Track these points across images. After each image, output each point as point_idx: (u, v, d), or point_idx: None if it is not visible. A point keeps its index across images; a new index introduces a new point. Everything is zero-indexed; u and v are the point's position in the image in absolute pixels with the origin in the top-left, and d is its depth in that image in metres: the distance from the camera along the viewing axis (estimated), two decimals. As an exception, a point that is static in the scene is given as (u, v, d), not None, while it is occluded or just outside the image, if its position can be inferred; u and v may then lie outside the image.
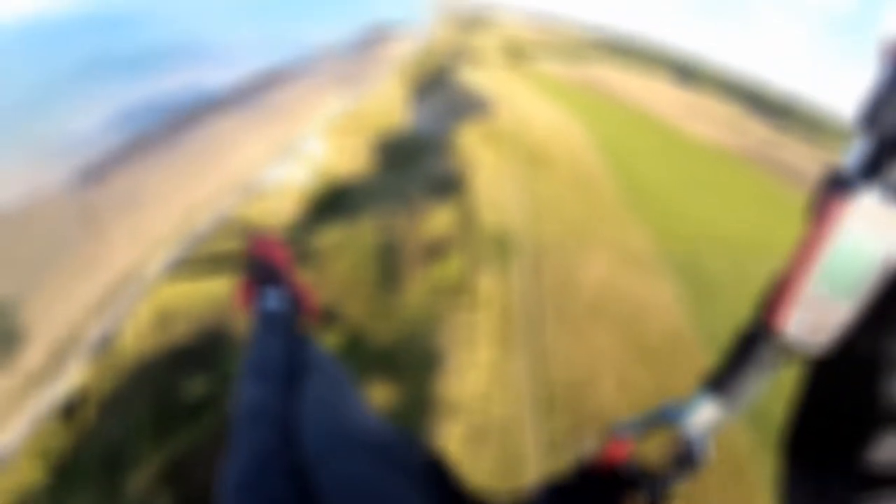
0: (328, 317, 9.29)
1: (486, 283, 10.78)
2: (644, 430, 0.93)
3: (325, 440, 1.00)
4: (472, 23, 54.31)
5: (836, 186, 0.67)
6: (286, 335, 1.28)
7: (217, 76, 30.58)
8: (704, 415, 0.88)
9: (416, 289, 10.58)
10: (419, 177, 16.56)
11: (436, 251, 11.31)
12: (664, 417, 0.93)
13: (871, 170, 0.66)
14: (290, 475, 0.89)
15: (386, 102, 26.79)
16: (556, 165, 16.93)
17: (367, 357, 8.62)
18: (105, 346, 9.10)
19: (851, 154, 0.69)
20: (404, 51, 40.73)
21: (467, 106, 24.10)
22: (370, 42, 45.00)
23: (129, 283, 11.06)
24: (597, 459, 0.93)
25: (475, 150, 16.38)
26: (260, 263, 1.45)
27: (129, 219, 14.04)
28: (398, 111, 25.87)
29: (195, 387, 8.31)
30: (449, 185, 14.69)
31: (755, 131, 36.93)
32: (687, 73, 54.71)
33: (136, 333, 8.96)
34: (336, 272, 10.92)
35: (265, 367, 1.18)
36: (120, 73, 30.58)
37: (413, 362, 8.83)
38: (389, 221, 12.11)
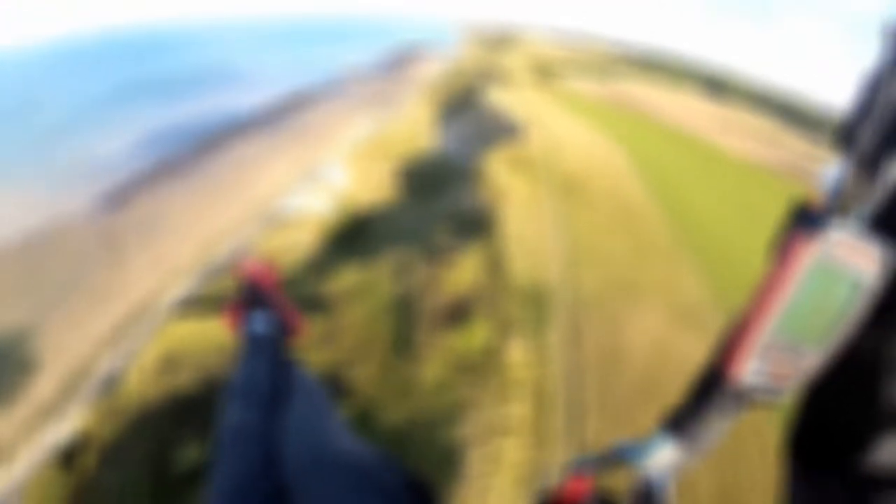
0: (338, 389, 8.51)
1: (517, 358, 9.24)
2: (602, 468, 0.85)
3: (306, 462, 1.02)
4: (500, 42, 53.30)
5: (801, 222, 0.61)
6: (272, 358, 1.29)
7: (245, 100, 30.57)
8: (663, 457, 0.79)
9: (435, 360, 9.14)
10: (444, 211, 15.52)
11: (459, 312, 9.69)
12: (622, 456, 0.83)
13: (847, 199, 0.60)
14: (272, 495, 0.93)
15: (412, 126, 25.84)
16: (594, 195, 15.03)
17: (374, 438, 7.75)
18: (110, 387, 8.87)
19: (825, 180, 0.62)
20: (432, 72, 40.14)
21: (496, 129, 22.70)
22: (398, 63, 44.87)
23: (142, 317, 10.89)
24: (556, 496, 0.87)
25: (505, 179, 14.80)
26: (248, 287, 1.44)
27: (149, 246, 13.98)
28: (425, 135, 24.82)
29: (194, 451, 7.83)
30: (476, 224, 13.31)
31: (792, 145, 34.53)
32: (717, 85, 52.93)
33: (140, 377, 8.77)
34: (349, 324, 10.06)
35: (251, 389, 1.19)
36: (151, 98, 31.10)
37: (427, 457, 7.69)
38: (409, 267, 10.56)
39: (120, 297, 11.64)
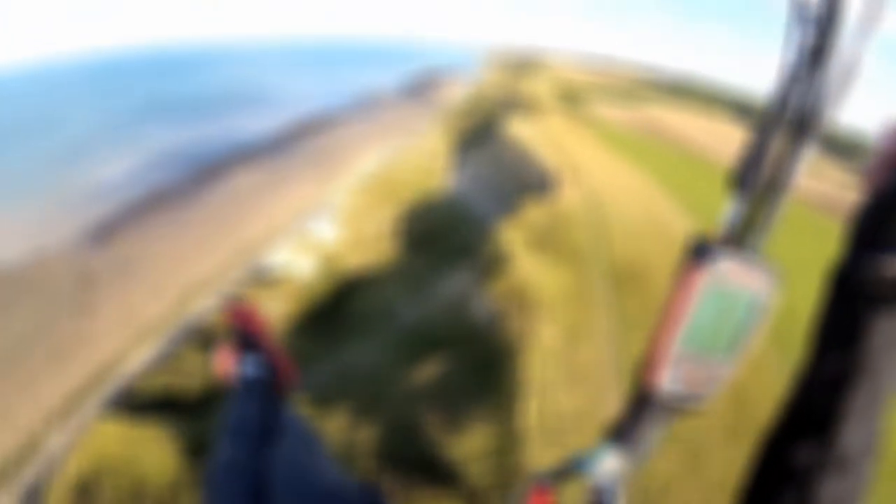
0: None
1: None
2: (560, 480, 0.87)
3: (292, 496, 1.04)
4: (525, 67, 48.88)
5: (697, 253, 0.66)
6: (263, 399, 1.24)
7: (260, 123, 28.10)
8: (609, 464, 0.83)
9: None
10: (448, 277, 11.22)
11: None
12: (575, 467, 0.85)
13: (740, 232, 0.68)
14: None
15: (426, 160, 21.59)
16: (648, 282, 9.44)
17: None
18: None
19: (724, 216, 0.69)
20: (454, 98, 36.48)
21: (516, 171, 18.08)
22: (421, 88, 41.79)
23: (99, 385, 9.66)
24: None
25: (527, 267, 9.49)
26: (239, 331, 1.38)
27: (123, 292, 12.71)
28: (437, 171, 20.60)
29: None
30: (487, 337, 8.89)
31: (831, 175, 29.89)
32: (746, 110, 47.98)
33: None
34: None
35: (242, 428, 1.15)
36: (168, 118, 29.14)
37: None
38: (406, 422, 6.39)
39: (82, 356, 10.42)
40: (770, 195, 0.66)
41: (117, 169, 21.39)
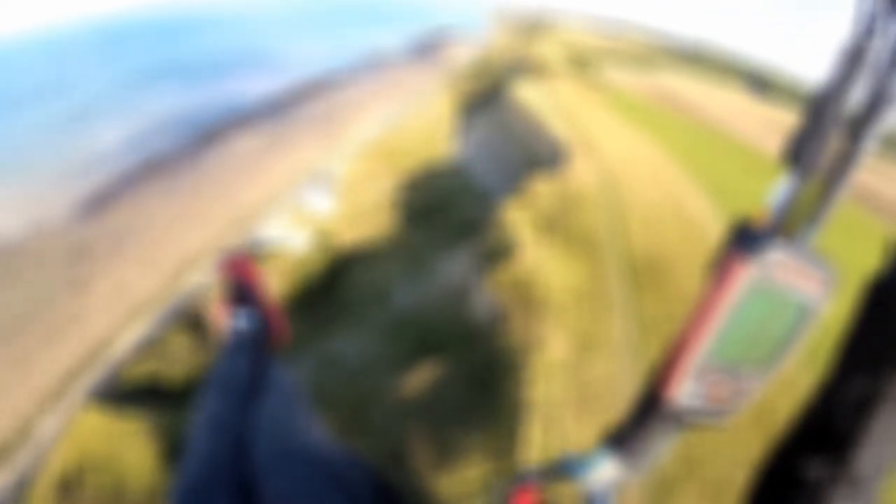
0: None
1: None
2: (547, 480, 0.82)
3: (273, 455, 0.99)
4: (535, 29, 46.84)
5: (740, 241, 0.56)
6: (252, 353, 1.25)
7: (263, 86, 27.08)
8: (605, 472, 0.76)
9: None
10: (450, 255, 10.16)
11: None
12: (567, 470, 0.79)
13: (793, 218, 0.59)
14: (238, 485, 0.89)
15: (429, 125, 20.47)
16: (669, 279, 8.04)
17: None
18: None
19: (772, 198, 0.60)
20: (461, 59, 34.63)
21: (523, 140, 16.74)
22: (427, 49, 40.04)
23: (92, 364, 9.12)
24: None
25: (535, 257, 8.02)
26: (233, 284, 1.40)
27: (115, 267, 12.00)
28: (441, 138, 19.31)
29: None
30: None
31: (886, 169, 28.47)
32: (761, 82, 46.21)
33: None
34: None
35: (229, 381, 1.16)
36: (171, 83, 28.23)
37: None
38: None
39: (75, 334, 9.86)
40: (828, 179, 0.55)
41: (116, 136, 20.65)
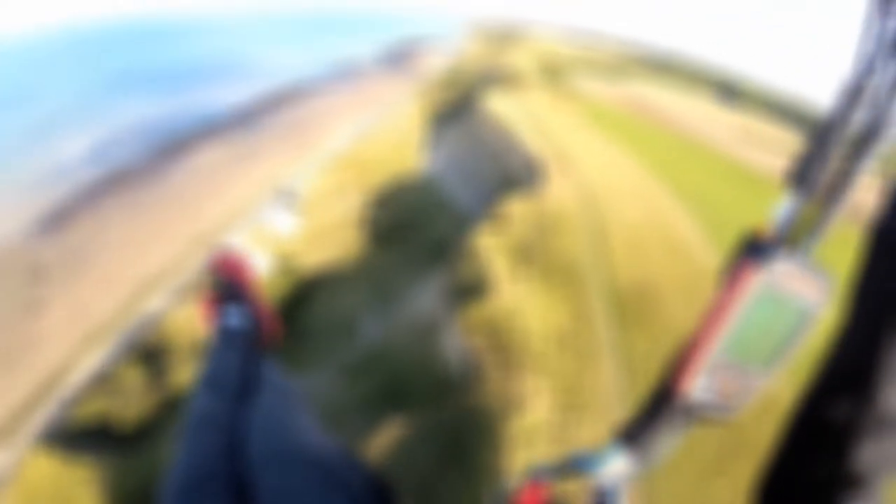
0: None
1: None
2: (559, 477, 0.83)
3: (268, 453, 0.96)
4: (507, 38, 46.36)
5: (750, 251, 0.62)
6: (243, 351, 1.23)
7: (232, 95, 26.16)
8: (616, 466, 0.78)
9: None
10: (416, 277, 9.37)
11: None
12: (578, 466, 0.81)
13: (796, 232, 0.64)
14: (231, 483, 0.88)
15: (399, 136, 19.50)
16: (656, 313, 7.17)
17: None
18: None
19: (777, 214, 0.65)
20: (433, 68, 34.15)
21: (495, 153, 15.95)
22: (401, 57, 39.39)
23: (45, 398, 8.28)
24: (513, 501, 0.83)
25: (511, 293, 6.87)
26: (224, 281, 1.36)
27: (72, 288, 11.22)
28: (411, 150, 18.45)
29: None
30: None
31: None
32: (729, 90, 46.64)
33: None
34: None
35: (220, 379, 1.13)
36: (141, 91, 27.17)
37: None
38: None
39: (29, 361, 9.17)
40: (828, 198, 0.61)
41: (80, 147, 19.70)
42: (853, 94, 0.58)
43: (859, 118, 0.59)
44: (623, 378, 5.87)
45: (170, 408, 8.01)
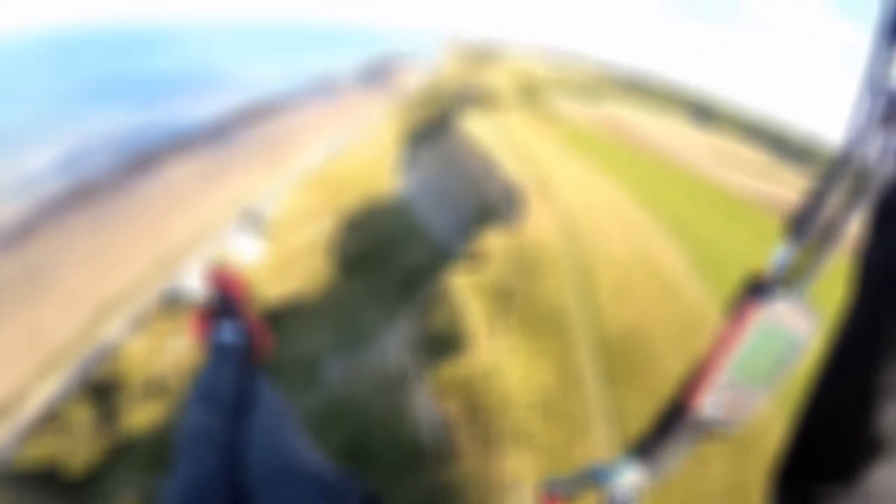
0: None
1: None
2: (574, 490, 0.82)
3: (268, 468, 0.96)
4: (484, 57, 46.23)
5: (754, 290, 0.67)
6: (237, 367, 1.21)
7: (205, 108, 25.43)
8: (629, 478, 0.79)
9: None
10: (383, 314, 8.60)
11: None
12: (593, 478, 0.81)
13: (791, 275, 0.68)
14: (230, 498, 0.87)
15: (373, 156, 18.71)
16: (641, 363, 6.48)
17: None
18: None
19: (775, 258, 0.70)
20: (411, 84, 33.78)
21: (471, 177, 15.31)
22: (378, 73, 38.80)
23: None
24: None
25: (489, 349, 6.14)
26: (218, 296, 1.36)
27: (33, 307, 10.73)
28: (385, 170, 17.71)
29: None
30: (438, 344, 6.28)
31: (786, 178, 28.87)
32: (703, 112, 47.27)
33: None
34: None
35: (214, 394, 1.12)
36: (115, 102, 26.39)
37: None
38: None
39: None
40: (820, 245, 0.66)
41: (47, 158, 19.10)
42: (843, 163, 0.63)
43: (852, 177, 0.63)
44: (616, 447, 5.13)
45: (119, 453, 7.54)
